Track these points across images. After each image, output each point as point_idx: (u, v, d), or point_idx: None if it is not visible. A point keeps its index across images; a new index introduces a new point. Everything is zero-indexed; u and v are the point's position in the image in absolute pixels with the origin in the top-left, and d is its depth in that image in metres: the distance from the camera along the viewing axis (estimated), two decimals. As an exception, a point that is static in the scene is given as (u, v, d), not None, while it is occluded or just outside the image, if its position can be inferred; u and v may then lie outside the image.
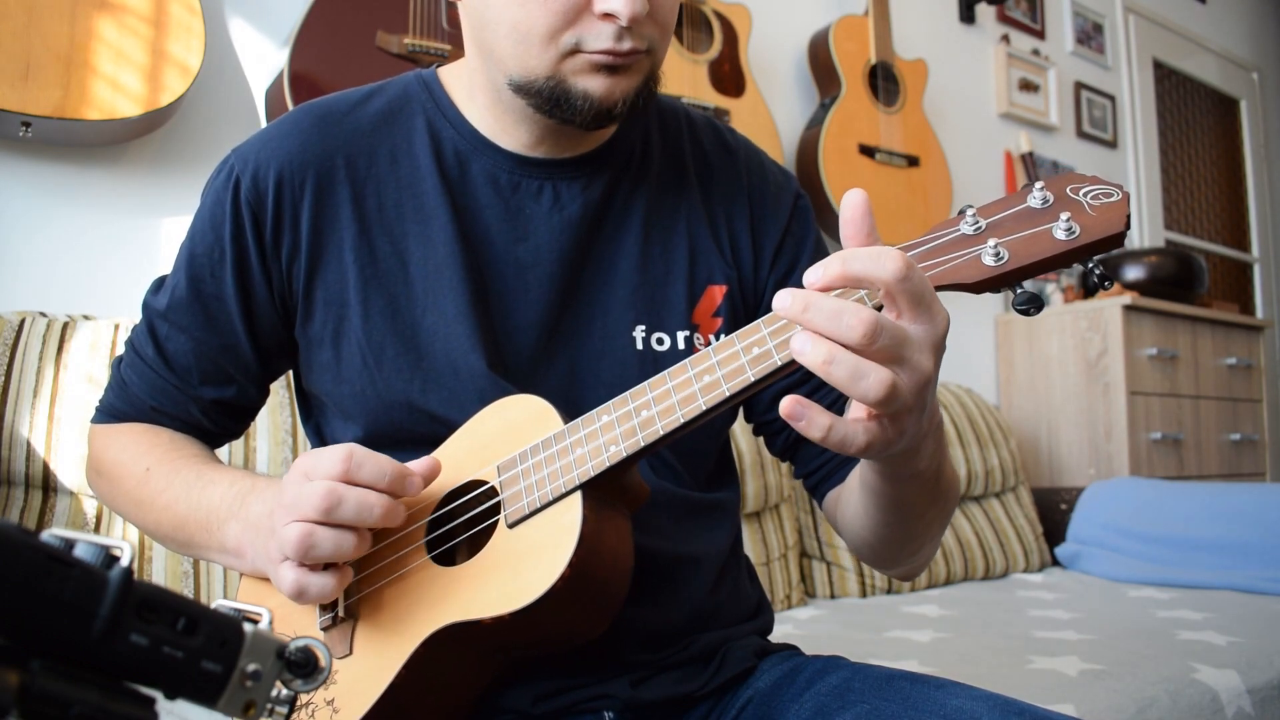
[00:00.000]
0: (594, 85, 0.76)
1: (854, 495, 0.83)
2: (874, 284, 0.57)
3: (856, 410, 0.60)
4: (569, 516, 0.66)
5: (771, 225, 0.93)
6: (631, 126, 0.90)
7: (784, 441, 0.94)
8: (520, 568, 0.67)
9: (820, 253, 0.95)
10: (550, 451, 0.70)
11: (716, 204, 0.92)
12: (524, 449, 0.72)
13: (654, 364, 0.85)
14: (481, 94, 0.85)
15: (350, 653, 0.73)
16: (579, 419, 0.70)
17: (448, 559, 0.73)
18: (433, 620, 0.69)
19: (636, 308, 0.86)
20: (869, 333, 0.55)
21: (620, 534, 0.69)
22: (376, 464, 0.68)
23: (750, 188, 0.94)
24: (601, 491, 0.69)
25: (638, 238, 0.88)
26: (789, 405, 0.57)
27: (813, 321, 0.56)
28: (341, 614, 0.74)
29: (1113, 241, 0.59)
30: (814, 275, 0.58)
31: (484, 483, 0.74)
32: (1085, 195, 0.61)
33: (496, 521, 0.71)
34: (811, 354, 0.56)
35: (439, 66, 0.92)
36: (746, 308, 0.92)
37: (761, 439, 0.99)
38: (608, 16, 0.74)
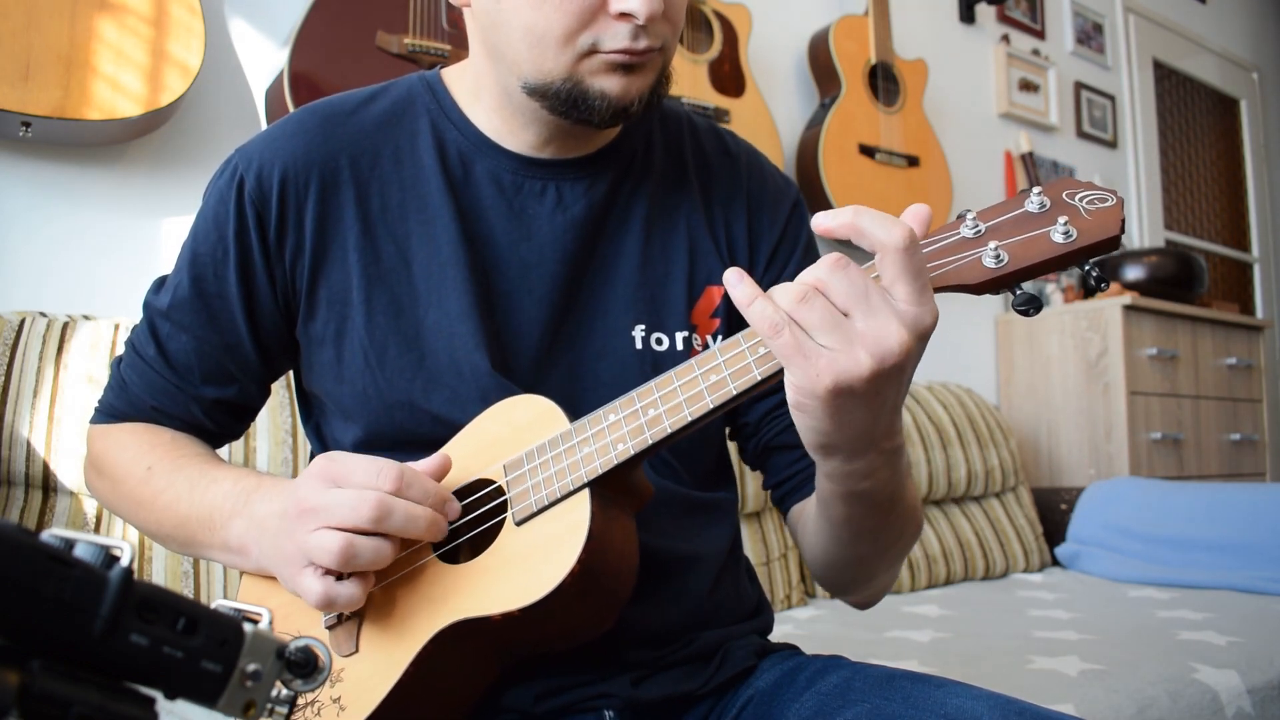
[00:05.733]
0: (611, 85, 0.77)
1: (812, 514, 0.83)
2: (874, 242, 0.59)
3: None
4: (577, 514, 0.67)
5: (768, 229, 0.93)
6: (634, 127, 0.90)
7: (754, 449, 0.94)
8: (529, 564, 0.67)
9: (810, 256, 0.96)
10: (558, 450, 0.70)
11: (716, 206, 0.93)
12: (531, 448, 0.72)
13: (653, 364, 0.85)
14: (489, 96, 0.85)
15: (356, 650, 0.73)
16: (586, 418, 0.70)
17: (452, 558, 0.73)
18: (441, 617, 0.69)
19: (636, 308, 0.86)
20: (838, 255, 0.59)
21: (626, 532, 0.70)
22: (424, 486, 0.69)
23: (749, 192, 0.94)
24: (608, 490, 0.69)
25: (639, 238, 0.88)
26: (732, 273, 0.61)
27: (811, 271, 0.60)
28: (347, 612, 0.74)
29: (1108, 245, 0.61)
30: (825, 217, 0.61)
31: (490, 482, 0.74)
32: (1081, 200, 0.62)
33: (503, 520, 0.71)
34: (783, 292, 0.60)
35: (442, 68, 0.92)
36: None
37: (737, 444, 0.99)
38: (624, 16, 0.74)
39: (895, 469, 0.71)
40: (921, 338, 0.59)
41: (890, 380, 0.60)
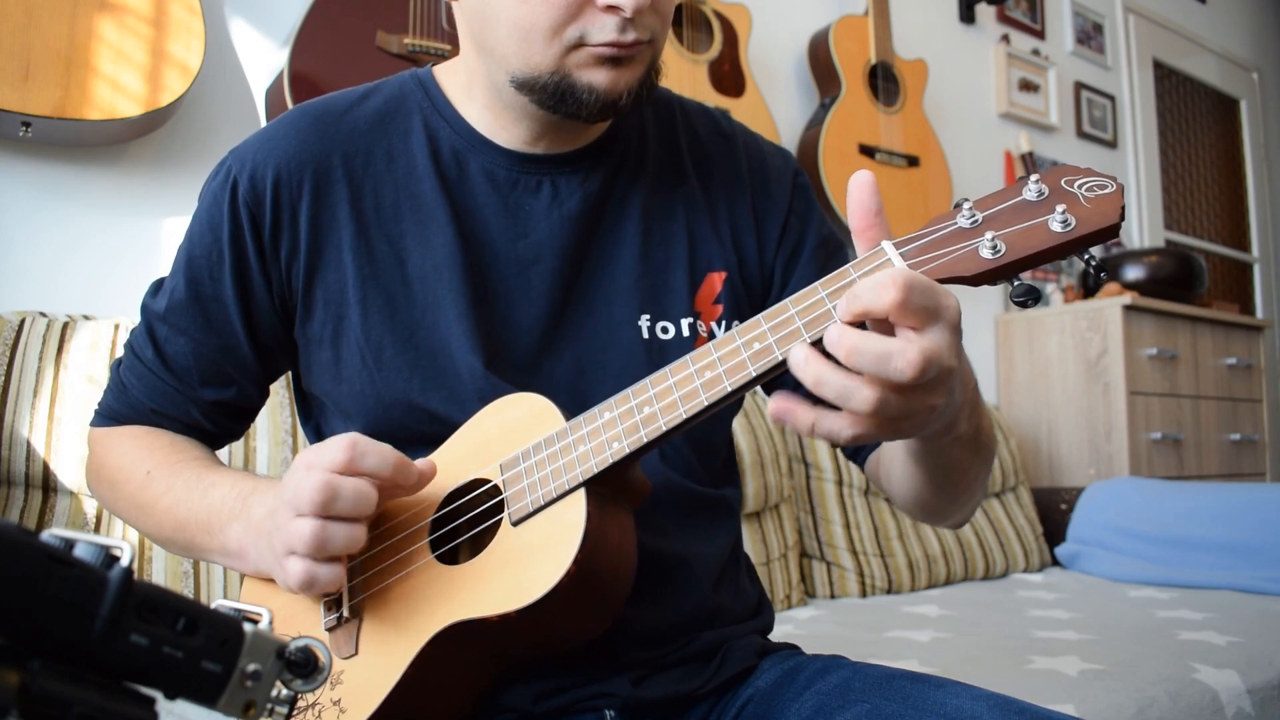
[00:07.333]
0: (599, 78, 0.77)
1: (897, 461, 0.82)
2: (879, 315, 0.57)
3: None
4: (573, 513, 0.67)
5: (774, 207, 0.93)
6: (627, 119, 0.90)
7: None
8: (525, 565, 0.67)
9: (824, 227, 0.95)
10: (553, 449, 0.70)
11: (715, 190, 0.92)
12: (526, 447, 0.72)
13: (660, 353, 0.85)
14: (480, 92, 0.85)
15: (356, 652, 0.73)
16: (580, 416, 0.70)
17: (450, 558, 0.73)
18: (439, 619, 0.69)
19: (640, 298, 0.86)
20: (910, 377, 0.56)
21: (623, 530, 0.70)
22: (380, 454, 0.69)
23: (750, 172, 0.94)
24: (605, 488, 0.69)
25: (637, 228, 0.88)
26: (776, 407, 0.61)
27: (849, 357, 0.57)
28: (346, 614, 0.74)
29: (1108, 233, 0.59)
30: (832, 333, 0.58)
31: (486, 481, 0.74)
32: (1080, 187, 0.61)
33: (500, 520, 0.71)
34: (804, 371, 0.59)
35: (434, 65, 0.92)
36: (750, 292, 0.92)
37: (768, 432, 0.99)
38: (611, 9, 0.74)
39: (974, 405, 0.72)
40: (953, 336, 0.59)
41: (940, 384, 0.59)
